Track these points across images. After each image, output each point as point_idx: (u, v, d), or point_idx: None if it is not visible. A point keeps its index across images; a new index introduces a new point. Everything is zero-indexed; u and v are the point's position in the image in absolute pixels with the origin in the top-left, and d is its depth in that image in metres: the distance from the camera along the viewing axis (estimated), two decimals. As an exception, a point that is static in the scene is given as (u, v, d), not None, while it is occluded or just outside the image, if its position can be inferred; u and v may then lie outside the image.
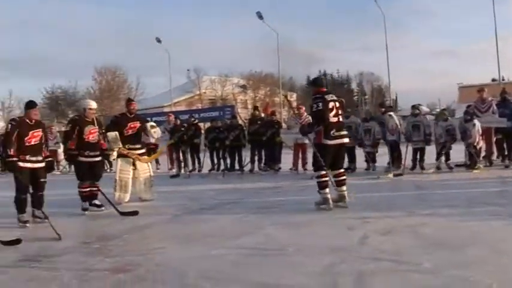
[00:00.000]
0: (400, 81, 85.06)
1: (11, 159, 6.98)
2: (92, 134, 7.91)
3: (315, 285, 3.83)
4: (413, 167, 11.83)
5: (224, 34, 64.67)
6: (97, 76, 44.44)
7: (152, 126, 8.89)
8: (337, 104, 7.22)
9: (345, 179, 7.30)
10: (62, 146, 14.47)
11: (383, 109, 12.91)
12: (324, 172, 7.12)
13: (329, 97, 7.21)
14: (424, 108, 29.43)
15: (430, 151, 12.08)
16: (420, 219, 6.01)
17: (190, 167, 14.40)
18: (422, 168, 11.70)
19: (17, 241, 5.96)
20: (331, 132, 7.06)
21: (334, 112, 7.13)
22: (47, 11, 58.51)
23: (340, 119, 7.27)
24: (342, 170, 7.39)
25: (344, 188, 7.23)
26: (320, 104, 7.07)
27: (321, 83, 7.60)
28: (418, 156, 11.88)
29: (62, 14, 59.01)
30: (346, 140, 7.35)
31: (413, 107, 12.51)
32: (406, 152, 11.51)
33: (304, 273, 4.13)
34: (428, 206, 6.93)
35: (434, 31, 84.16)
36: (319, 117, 7.13)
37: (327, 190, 7.11)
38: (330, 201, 7.07)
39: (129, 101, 9.12)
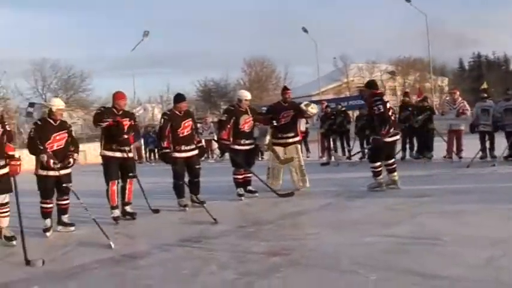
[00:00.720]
0: None
1: (165, 151, 7.57)
2: (246, 123, 8.21)
3: (475, 278, 3.66)
4: None
5: (371, 19, 62.75)
6: (246, 68, 45.88)
7: (307, 105, 8.86)
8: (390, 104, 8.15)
9: (395, 167, 8.23)
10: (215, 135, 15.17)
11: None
12: (379, 164, 8.07)
13: (385, 98, 8.08)
14: None
15: None
16: None
17: (340, 155, 14.37)
18: None
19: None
20: (390, 130, 7.91)
21: (391, 111, 8.06)
22: (200, 8, 61.20)
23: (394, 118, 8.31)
24: (393, 160, 8.30)
25: (395, 173, 8.20)
26: (381, 106, 7.83)
27: (377, 86, 8.57)
28: None
29: (213, 10, 61.46)
30: (398, 136, 8.58)
31: None
32: None
33: (461, 264, 3.97)
34: None
35: None
36: (383, 118, 7.86)
37: (381, 176, 8.13)
38: (384, 184, 8.11)
39: (284, 89, 9.05)
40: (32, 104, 29.69)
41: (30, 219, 6.41)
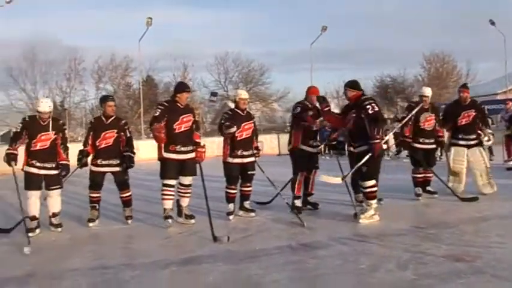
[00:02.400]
0: None
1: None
2: (428, 121, 7.90)
3: None
4: None
5: None
6: (425, 63, 43.95)
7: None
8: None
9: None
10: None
11: None
12: (375, 182, 6.45)
13: None
14: None
15: None
16: None
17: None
18: None
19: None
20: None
21: None
22: (378, 2, 59.74)
23: None
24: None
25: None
26: (374, 105, 6.36)
27: (360, 87, 6.81)
28: None
29: (392, 3, 59.62)
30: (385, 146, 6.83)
31: None
32: None
33: None
34: None
35: None
36: (378, 119, 6.36)
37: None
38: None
39: (461, 87, 8.54)
40: (214, 93, 31.50)
41: (215, 201, 6.92)
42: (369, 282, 4.11)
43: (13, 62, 35.86)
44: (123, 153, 6.80)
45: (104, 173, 6.82)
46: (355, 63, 58.57)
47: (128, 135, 6.94)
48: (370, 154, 6.24)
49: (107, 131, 6.78)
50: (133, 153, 6.91)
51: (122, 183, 6.88)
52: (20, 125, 6.43)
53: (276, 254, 5.01)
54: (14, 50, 47.97)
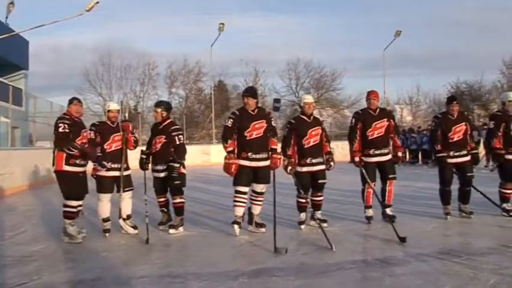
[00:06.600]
0: None
1: (439, 154, 7.13)
2: None
3: None
4: None
5: None
6: (505, 69, 41.94)
7: None
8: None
9: None
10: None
11: None
12: None
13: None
14: None
15: None
16: None
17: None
18: None
19: None
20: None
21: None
22: (454, 7, 57.24)
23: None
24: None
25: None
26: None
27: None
28: None
29: (467, 8, 56.98)
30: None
31: None
32: None
33: None
34: None
35: None
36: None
37: None
38: None
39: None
40: (277, 100, 31.16)
41: (288, 209, 6.70)
42: (454, 306, 3.78)
43: (90, 67, 37.71)
44: (169, 161, 6.59)
45: (159, 178, 6.75)
46: (431, 68, 56.65)
47: (177, 142, 6.67)
48: None
49: (158, 136, 6.80)
50: (179, 162, 6.59)
51: (172, 189, 6.74)
52: (93, 128, 6.66)
53: (350, 270, 4.74)
54: (91, 55, 50.33)
